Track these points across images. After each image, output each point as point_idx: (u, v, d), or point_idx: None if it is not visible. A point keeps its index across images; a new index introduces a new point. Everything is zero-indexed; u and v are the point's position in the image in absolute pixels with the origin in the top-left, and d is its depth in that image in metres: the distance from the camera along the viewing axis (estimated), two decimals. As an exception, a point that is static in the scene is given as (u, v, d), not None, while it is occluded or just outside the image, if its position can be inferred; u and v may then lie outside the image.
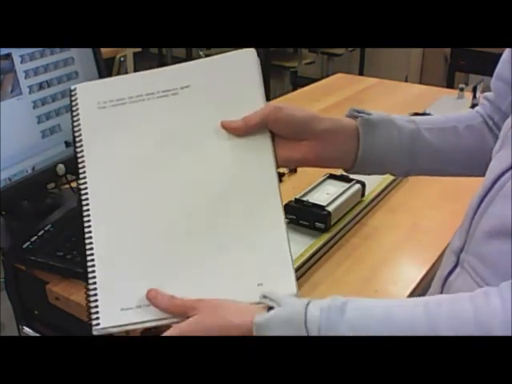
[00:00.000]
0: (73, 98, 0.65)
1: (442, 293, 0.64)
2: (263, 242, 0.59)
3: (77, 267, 0.88)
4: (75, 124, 0.64)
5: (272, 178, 0.62)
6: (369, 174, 0.70)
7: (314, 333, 0.50)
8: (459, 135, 0.71)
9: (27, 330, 1.02)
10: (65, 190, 1.16)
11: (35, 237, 0.94)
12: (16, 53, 0.95)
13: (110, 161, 0.63)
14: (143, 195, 0.61)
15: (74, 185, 1.15)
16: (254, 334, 0.53)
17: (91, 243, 0.60)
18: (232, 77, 0.65)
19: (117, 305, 0.58)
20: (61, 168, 1.04)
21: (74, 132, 0.64)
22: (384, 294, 0.90)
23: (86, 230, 0.60)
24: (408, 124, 0.69)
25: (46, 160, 1.03)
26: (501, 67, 0.71)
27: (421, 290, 0.92)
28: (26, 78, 0.98)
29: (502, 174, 0.56)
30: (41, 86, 1.00)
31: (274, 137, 0.63)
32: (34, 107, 1.00)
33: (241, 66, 0.65)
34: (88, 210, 0.61)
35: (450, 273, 0.64)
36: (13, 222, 1.06)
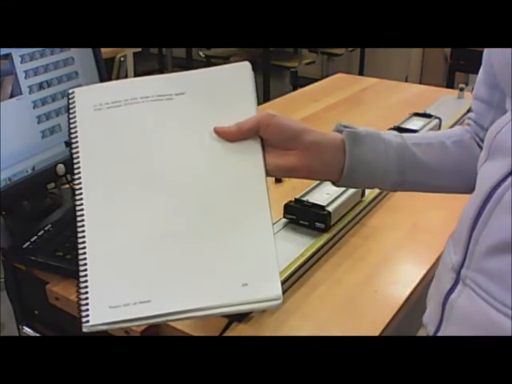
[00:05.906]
0: (70, 101, 0.67)
1: (443, 312, 0.62)
2: (250, 244, 0.60)
3: (76, 267, 0.87)
4: (72, 126, 0.65)
5: (261, 183, 0.63)
6: (357, 187, 0.70)
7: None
8: (447, 149, 0.71)
9: (27, 330, 1.02)
10: (65, 190, 1.16)
11: (35, 237, 0.94)
12: (16, 53, 0.95)
13: (103, 162, 0.64)
14: (135, 195, 0.62)
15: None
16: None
17: (84, 241, 0.62)
18: (226, 87, 0.67)
19: (106, 302, 0.58)
20: (61, 168, 1.04)
21: (70, 134, 0.65)
22: (384, 293, 0.90)
23: (79, 227, 0.62)
24: (395, 138, 0.69)
25: (46, 160, 1.03)
26: (477, 87, 0.71)
27: (421, 290, 0.92)
28: (25, 78, 0.97)
29: (498, 184, 0.54)
30: (41, 86, 1.00)
31: (264, 145, 0.64)
32: (33, 107, 1.00)
33: (236, 77, 0.68)
34: (82, 209, 0.62)
35: (451, 291, 0.61)
36: (13, 222, 1.06)
